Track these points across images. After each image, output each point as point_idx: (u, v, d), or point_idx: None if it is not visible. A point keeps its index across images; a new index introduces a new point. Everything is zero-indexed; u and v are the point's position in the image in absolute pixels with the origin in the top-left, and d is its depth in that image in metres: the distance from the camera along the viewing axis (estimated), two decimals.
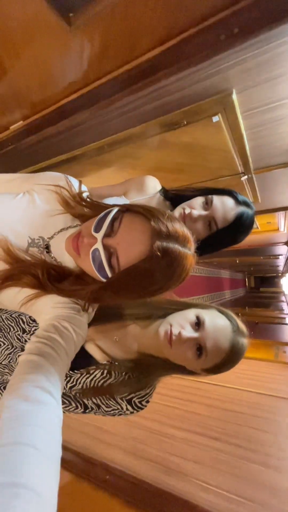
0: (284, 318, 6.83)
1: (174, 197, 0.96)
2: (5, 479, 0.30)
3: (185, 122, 1.00)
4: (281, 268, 11.03)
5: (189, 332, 0.69)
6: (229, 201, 0.86)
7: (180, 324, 0.71)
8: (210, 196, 0.86)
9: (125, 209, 0.55)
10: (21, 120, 1.00)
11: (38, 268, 0.59)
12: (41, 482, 0.32)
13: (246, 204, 0.87)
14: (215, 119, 0.98)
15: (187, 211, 0.84)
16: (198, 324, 0.71)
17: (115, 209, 0.53)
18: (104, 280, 0.54)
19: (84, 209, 0.64)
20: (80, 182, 0.69)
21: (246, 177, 1.52)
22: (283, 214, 2.49)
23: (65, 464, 1.38)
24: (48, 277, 0.58)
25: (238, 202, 0.86)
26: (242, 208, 0.85)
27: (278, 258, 7.48)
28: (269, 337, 4.73)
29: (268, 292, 15.79)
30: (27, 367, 0.45)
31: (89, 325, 0.75)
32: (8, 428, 0.36)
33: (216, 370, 0.71)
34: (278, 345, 3.92)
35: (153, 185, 0.96)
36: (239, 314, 0.88)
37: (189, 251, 0.53)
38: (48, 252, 0.63)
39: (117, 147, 1.17)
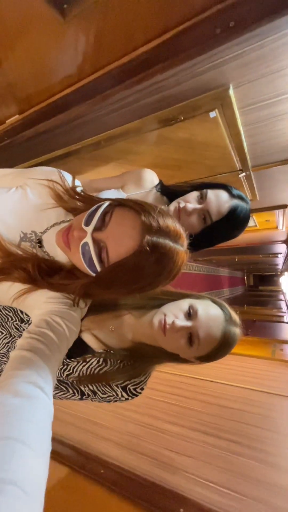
0: (282, 316, 6.84)
1: (171, 192, 0.96)
2: None
3: (182, 118, 0.99)
4: (280, 266, 11.04)
5: (182, 321, 0.70)
6: (223, 194, 0.86)
7: (174, 313, 0.72)
8: (204, 190, 0.87)
9: (117, 203, 0.54)
10: (17, 114, 1.00)
11: (29, 262, 0.58)
12: (29, 478, 0.31)
13: (240, 197, 0.88)
14: (212, 114, 0.97)
15: (182, 204, 0.85)
16: (191, 314, 0.72)
17: (106, 203, 0.53)
18: (93, 274, 0.53)
19: (77, 203, 0.64)
20: (74, 177, 0.69)
21: (244, 174, 1.51)
22: (282, 212, 2.48)
23: (61, 458, 1.39)
24: (39, 271, 0.58)
25: (232, 195, 0.86)
26: (236, 201, 0.86)
27: (277, 256, 7.47)
28: (267, 335, 4.75)
29: (266, 291, 15.84)
30: (18, 363, 0.45)
31: (85, 315, 0.77)
32: (2, 417, 0.36)
33: (209, 358, 0.73)
34: (276, 343, 3.94)
35: (151, 179, 0.96)
36: (237, 312, 0.89)
37: (181, 247, 0.53)
38: (41, 246, 0.63)
39: (114, 142, 1.17)
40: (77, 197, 0.63)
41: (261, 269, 14.57)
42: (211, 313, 0.74)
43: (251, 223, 3.49)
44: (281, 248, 5.58)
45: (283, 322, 6.17)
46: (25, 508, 0.29)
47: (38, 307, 0.57)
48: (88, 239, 0.51)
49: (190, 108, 0.95)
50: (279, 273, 13.97)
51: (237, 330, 0.75)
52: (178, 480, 1.27)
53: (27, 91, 0.90)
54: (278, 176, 1.73)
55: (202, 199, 0.86)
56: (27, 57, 0.79)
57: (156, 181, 0.97)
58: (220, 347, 0.72)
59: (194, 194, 0.88)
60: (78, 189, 0.65)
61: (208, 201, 0.85)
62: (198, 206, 0.85)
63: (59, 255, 0.62)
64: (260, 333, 4.76)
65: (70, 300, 0.59)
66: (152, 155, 1.39)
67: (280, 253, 6.48)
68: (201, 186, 0.90)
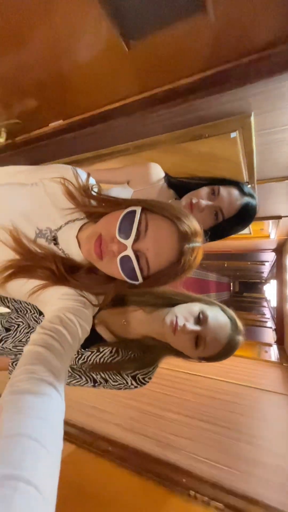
0: (266, 322, 7.16)
1: (178, 185, 0.97)
2: (8, 471, 0.30)
3: (207, 135, 1.14)
4: (265, 274, 11.45)
5: (192, 325, 0.75)
6: (235, 191, 0.89)
7: (185, 316, 0.77)
8: (217, 186, 0.89)
9: (146, 209, 0.55)
10: (61, 119, 1.11)
11: (50, 261, 0.59)
12: (43, 478, 0.31)
13: (250, 195, 0.91)
14: (232, 135, 1.12)
15: (194, 200, 0.87)
16: (201, 319, 0.76)
17: (138, 212, 0.53)
18: (132, 282, 0.55)
19: (91, 202, 0.64)
20: (88, 175, 0.69)
21: (249, 186, 1.68)
22: (276, 222, 2.69)
23: (69, 437, 1.50)
24: (65, 271, 0.59)
25: (244, 193, 0.90)
26: (247, 199, 0.89)
27: (264, 264, 7.81)
28: (252, 338, 4.98)
29: (250, 297, 16.28)
30: (32, 358, 0.44)
31: (100, 308, 0.82)
32: (12, 419, 0.35)
33: (210, 359, 0.79)
34: (261, 345, 4.17)
35: (157, 172, 0.97)
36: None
37: (201, 244, 0.57)
38: (56, 243, 0.63)
39: (142, 150, 1.30)
40: (90, 196, 0.63)
41: (247, 276, 15.01)
42: (219, 320, 0.77)
43: (246, 230, 3.68)
44: (268, 256, 5.86)
45: (266, 327, 6.47)
46: (40, 507, 0.29)
47: (52, 303, 0.57)
48: (129, 252, 0.51)
49: (216, 128, 1.10)
50: (263, 281, 14.44)
51: (240, 338, 0.80)
52: (178, 457, 1.41)
53: (78, 102, 1.02)
54: (277, 190, 1.91)
55: (214, 195, 0.88)
56: (85, 72, 0.92)
57: (162, 174, 0.98)
58: (223, 352, 0.77)
59: (206, 190, 0.89)
60: (95, 189, 0.66)
61: (220, 198, 0.87)
62: (211, 203, 0.87)
63: (74, 253, 0.63)
64: (246, 336, 5.00)
65: (83, 298, 0.59)
66: (169, 163, 1.53)
67: (267, 261, 6.80)
68: (213, 182, 0.91)
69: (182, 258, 0.52)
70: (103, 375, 0.84)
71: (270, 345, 4.23)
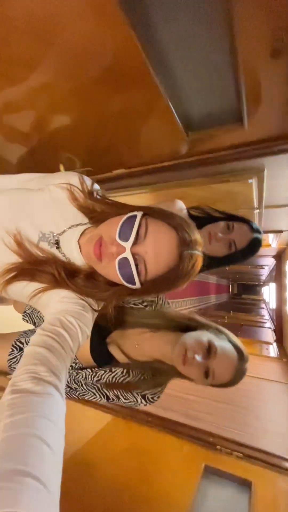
0: (265, 322, 7.59)
1: (198, 218, 1.09)
2: (16, 466, 0.30)
3: (230, 180, 1.54)
4: (263, 277, 11.89)
5: (201, 358, 0.77)
6: (246, 227, 1.03)
7: (194, 348, 0.78)
8: (231, 222, 1.03)
9: (146, 214, 0.56)
10: (123, 168, 1.51)
11: (52, 266, 0.59)
12: (48, 475, 0.32)
13: (258, 231, 1.05)
14: (250, 181, 1.52)
15: (213, 232, 1.00)
16: (209, 351, 0.79)
17: (138, 215, 0.53)
18: (128, 285, 0.55)
19: (95, 207, 0.65)
20: (93, 182, 0.70)
21: (258, 211, 2.08)
22: (278, 235, 3.10)
23: (114, 412, 1.88)
24: (65, 275, 0.59)
25: (253, 229, 1.04)
26: (256, 235, 1.03)
27: (263, 268, 8.27)
28: (253, 337, 5.39)
29: (249, 299, 16.70)
30: (33, 359, 0.45)
31: (113, 329, 0.91)
32: (15, 417, 0.35)
33: (220, 387, 0.83)
34: (261, 344, 4.59)
35: (180, 207, 1.11)
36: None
37: (200, 253, 0.57)
38: (58, 247, 0.63)
39: (176, 187, 1.70)
40: (94, 199, 0.65)
41: (246, 279, 15.46)
42: (227, 352, 0.80)
43: None
44: (268, 261, 6.29)
45: (265, 327, 6.90)
46: (46, 501, 0.30)
47: (52, 306, 0.58)
48: (127, 255, 0.51)
49: (237, 175, 1.50)
50: (261, 283, 14.88)
51: (246, 366, 0.82)
52: (203, 425, 1.80)
53: (142, 158, 1.41)
54: (279, 211, 2.32)
55: (229, 229, 1.02)
56: (149, 142, 1.31)
57: (185, 210, 1.12)
58: (232, 381, 0.81)
59: (223, 224, 1.03)
60: (99, 193, 0.67)
61: (234, 233, 1.01)
62: (227, 236, 1.02)
63: (76, 258, 0.63)
64: (247, 335, 5.42)
65: (84, 301, 0.59)
66: (198, 196, 1.93)
67: (267, 265, 7.24)
68: (227, 217, 1.06)
69: (180, 264, 0.52)
70: (115, 392, 0.88)
71: (270, 343, 4.63)
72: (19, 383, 0.40)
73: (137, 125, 1.19)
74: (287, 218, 2.47)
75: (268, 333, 5.92)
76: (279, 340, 4.58)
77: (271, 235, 3.60)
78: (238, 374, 0.80)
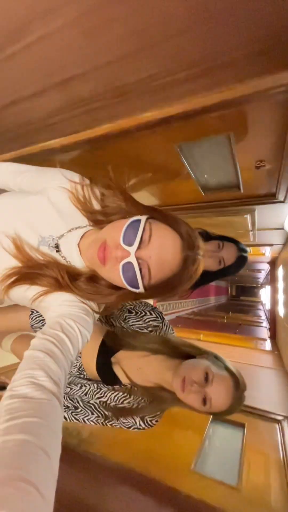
0: (262, 322, 8.20)
1: None
2: (12, 472, 0.31)
3: (230, 215, 2.15)
4: (261, 280, 12.47)
5: (198, 388, 0.78)
6: (234, 247, 1.15)
7: (192, 376, 0.79)
8: (221, 241, 1.14)
9: (151, 218, 0.55)
10: (158, 205, 2.11)
11: (54, 269, 0.59)
12: (44, 482, 0.32)
13: (244, 250, 1.17)
14: (245, 215, 2.13)
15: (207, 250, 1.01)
16: (207, 379, 0.79)
17: (143, 220, 0.53)
18: (133, 290, 0.54)
19: (97, 209, 0.64)
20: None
21: (252, 232, 2.69)
22: (270, 247, 3.73)
23: None
24: (68, 279, 0.58)
25: (240, 249, 1.15)
26: (242, 254, 1.15)
27: (260, 272, 8.90)
28: (251, 334, 6.02)
29: (247, 301, 17.20)
30: (32, 363, 0.45)
31: (119, 349, 0.92)
32: (13, 423, 0.36)
33: (219, 414, 0.83)
34: (256, 340, 5.20)
35: None
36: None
37: (202, 257, 0.57)
38: (58, 251, 0.63)
39: (189, 217, 2.30)
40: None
41: (244, 281, 16.00)
42: (223, 380, 0.81)
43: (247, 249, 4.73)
44: (264, 266, 6.92)
45: (262, 327, 7.51)
46: (41, 508, 0.30)
47: (53, 310, 0.57)
48: (131, 259, 0.51)
49: (237, 213, 2.10)
50: (259, 285, 15.44)
51: (244, 395, 0.83)
52: None
53: (166, 200, 2.02)
54: (270, 232, 2.93)
55: (219, 248, 1.13)
56: (181, 195, 1.91)
57: None
58: (229, 411, 0.80)
59: (215, 243, 1.13)
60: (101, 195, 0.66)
61: (224, 251, 1.12)
62: (217, 254, 1.13)
63: (76, 261, 0.63)
64: (245, 333, 6.04)
65: (85, 305, 0.59)
66: (200, 223, 2.54)
67: (263, 270, 7.85)
68: (220, 238, 1.16)
69: (184, 268, 0.53)
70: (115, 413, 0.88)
71: (264, 339, 5.26)
72: (18, 388, 0.40)
73: (176, 187, 1.82)
74: (276, 236, 3.08)
75: (264, 331, 6.52)
76: (273, 337, 5.20)
77: (265, 248, 4.23)
78: (235, 401, 0.80)
